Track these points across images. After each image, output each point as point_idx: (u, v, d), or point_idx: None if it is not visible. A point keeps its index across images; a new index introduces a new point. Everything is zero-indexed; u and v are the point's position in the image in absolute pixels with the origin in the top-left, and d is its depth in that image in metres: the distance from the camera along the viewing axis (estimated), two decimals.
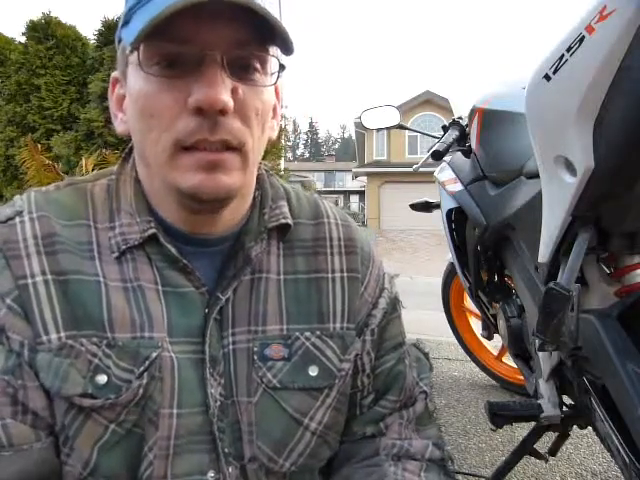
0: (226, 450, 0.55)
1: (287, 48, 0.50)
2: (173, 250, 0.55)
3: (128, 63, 0.52)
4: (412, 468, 0.61)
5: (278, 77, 0.54)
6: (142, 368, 0.52)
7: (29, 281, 0.52)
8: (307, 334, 0.59)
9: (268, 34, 0.49)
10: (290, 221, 0.61)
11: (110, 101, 0.59)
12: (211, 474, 0.54)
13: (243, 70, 0.50)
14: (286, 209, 0.62)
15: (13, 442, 0.50)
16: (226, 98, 0.47)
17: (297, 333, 0.59)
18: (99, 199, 0.58)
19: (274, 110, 0.58)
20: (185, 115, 0.48)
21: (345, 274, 0.63)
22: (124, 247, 0.55)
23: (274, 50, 0.52)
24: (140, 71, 0.49)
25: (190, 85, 0.48)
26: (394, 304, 0.68)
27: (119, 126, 0.57)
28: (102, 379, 0.51)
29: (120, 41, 0.54)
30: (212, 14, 0.46)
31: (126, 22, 0.51)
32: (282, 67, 0.53)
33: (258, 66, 0.51)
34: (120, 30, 0.53)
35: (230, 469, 0.55)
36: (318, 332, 0.59)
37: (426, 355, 0.75)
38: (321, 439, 0.59)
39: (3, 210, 0.56)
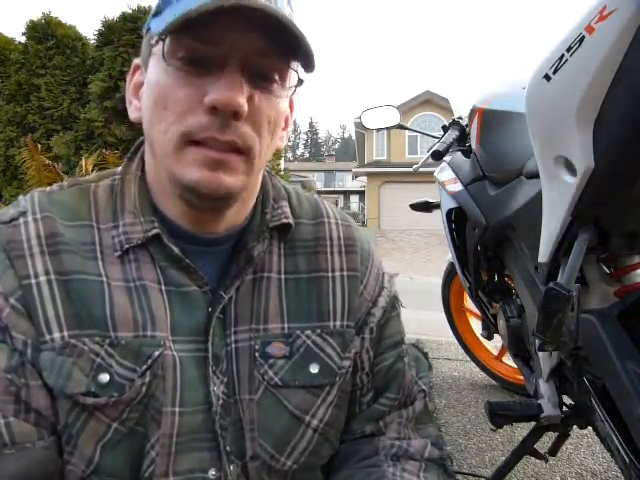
0: (228, 448, 0.55)
1: (308, 65, 0.51)
2: (176, 250, 0.55)
3: (152, 53, 0.53)
4: (411, 468, 0.61)
5: (295, 90, 0.54)
6: (144, 367, 0.53)
7: (32, 281, 0.52)
8: (308, 332, 0.60)
9: (292, 48, 0.49)
10: (291, 221, 0.62)
11: (127, 87, 0.60)
12: (212, 472, 0.55)
13: (262, 79, 0.51)
14: (287, 209, 0.63)
15: (16, 440, 0.50)
16: (242, 101, 0.48)
17: (298, 331, 0.59)
18: (102, 199, 0.59)
19: (286, 121, 0.59)
20: (199, 112, 0.49)
21: (345, 273, 0.63)
22: (127, 246, 0.55)
23: (294, 64, 0.52)
24: (162, 62, 0.50)
25: (208, 85, 0.48)
26: (393, 303, 0.68)
27: (132, 113, 0.58)
28: (104, 378, 0.52)
29: (148, 30, 0.54)
30: (241, 21, 0.47)
31: (158, 13, 0.51)
32: (300, 81, 0.54)
33: (277, 78, 0.52)
34: (150, 19, 0.53)
35: (231, 467, 0.55)
36: (319, 330, 0.60)
37: (425, 355, 0.75)
38: (322, 437, 0.60)
39: (7, 211, 0.56)
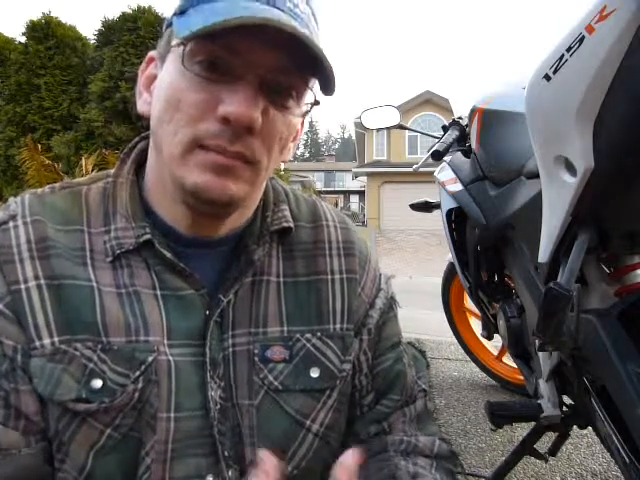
0: (226, 453, 0.54)
1: (328, 88, 0.50)
2: (169, 255, 0.54)
3: (171, 50, 0.52)
4: (422, 464, 0.60)
5: (310, 110, 0.54)
6: (138, 372, 0.52)
7: (22, 286, 0.51)
8: (308, 336, 0.59)
9: (312, 67, 0.49)
10: (292, 224, 0.62)
11: (139, 77, 0.58)
12: (210, 478, 0.54)
13: (278, 95, 0.50)
14: (288, 212, 0.63)
15: (1, 446, 0.50)
16: (256, 116, 0.47)
17: (298, 335, 0.59)
18: (94, 203, 0.57)
19: (295, 135, 0.59)
20: (211, 119, 0.48)
21: (344, 275, 0.63)
22: (119, 251, 0.54)
23: (312, 83, 0.52)
24: (180, 64, 0.49)
25: (223, 94, 0.48)
26: (390, 304, 0.68)
27: (141, 106, 0.57)
28: (97, 383, 0.51)
29: (170, 25, 0.53)
30: (266, 37, 0.46)
31: (182, 12, 0.50)
32: (316, 102, 0.53)
33: (294, 95, 0.51)
34: (173, 16, 0.52)
35: (230, 472, 0.54)
36: (319, 333, 0.59)
37: (423, 353, 0.75)
38: (323, 441, 0.59)
39: None
